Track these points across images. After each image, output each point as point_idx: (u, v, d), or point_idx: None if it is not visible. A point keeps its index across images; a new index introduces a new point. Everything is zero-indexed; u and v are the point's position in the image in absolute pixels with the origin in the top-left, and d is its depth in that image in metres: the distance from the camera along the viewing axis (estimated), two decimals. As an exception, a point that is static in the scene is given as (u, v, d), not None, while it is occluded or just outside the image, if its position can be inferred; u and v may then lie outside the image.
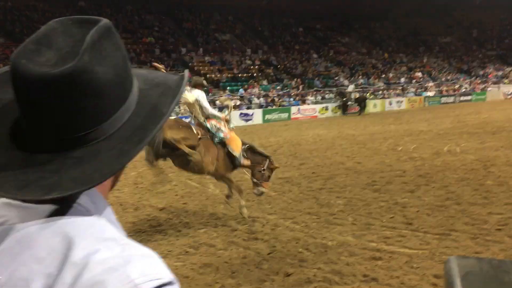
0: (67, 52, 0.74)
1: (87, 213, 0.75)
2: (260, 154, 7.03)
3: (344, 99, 28.48)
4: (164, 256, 5.38)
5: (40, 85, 0.72)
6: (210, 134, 6.47)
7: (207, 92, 28.35)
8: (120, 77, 0.79)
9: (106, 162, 0.75)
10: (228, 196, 6.87)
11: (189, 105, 6.45)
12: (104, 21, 0.79)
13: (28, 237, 0.71)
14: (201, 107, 6.47)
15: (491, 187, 7.76)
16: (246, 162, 6.82)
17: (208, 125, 6.46)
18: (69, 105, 0.74)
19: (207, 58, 34.11)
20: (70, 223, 0.72)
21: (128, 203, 7.94)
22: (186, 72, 0.92)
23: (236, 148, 6.61)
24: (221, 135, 6.50)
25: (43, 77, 0.71)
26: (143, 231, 6.43)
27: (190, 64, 32.60)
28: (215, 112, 6.73)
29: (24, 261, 0.69)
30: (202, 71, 32.08)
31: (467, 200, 7.02)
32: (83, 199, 0.76)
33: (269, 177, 7.07)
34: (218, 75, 32.03)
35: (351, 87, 29.58)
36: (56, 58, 0.73)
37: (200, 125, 6.49)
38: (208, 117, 6.52)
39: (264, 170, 6.94)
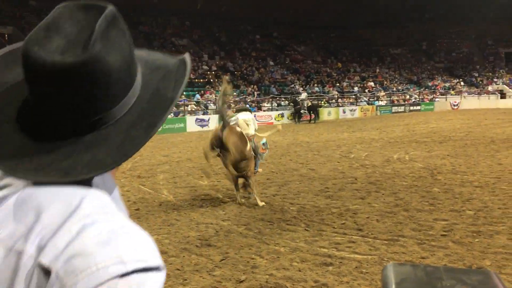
0: (75, 40, 0.76)
1: (96, 188, 0.77)
2: None
3: (297, 106, 28.86)
4: (114, 263, 5.24)
5: (53, 74, 0.74)
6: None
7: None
8: (127, 64, 0.82)
9: (116, 147, 0.77)
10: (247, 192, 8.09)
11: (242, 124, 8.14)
12: (110, 8, 0.81)
13: (33, 197, 0.72)
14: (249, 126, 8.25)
15: (437, 194, 8.06)
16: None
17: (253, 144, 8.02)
18: (80, 93, 0.76)
19: (163, 62, 33.73)
20: (75, 193, 0.73)
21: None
22: (187, 57, 0.93)
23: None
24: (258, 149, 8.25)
25: (57, 65, 0.73)
26: (93, 238, 6.25)
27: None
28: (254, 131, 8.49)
29: (25, 220, 0.70)
30: (158, 75, 31.71)
31: (414, 207, 7.26)
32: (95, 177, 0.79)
33: None
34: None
35: (304, 95, 29.97)
36: (65, 45, 0.75)
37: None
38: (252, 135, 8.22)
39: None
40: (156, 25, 39.72)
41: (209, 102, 28.68)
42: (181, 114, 26.03)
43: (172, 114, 25.87)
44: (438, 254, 5.23)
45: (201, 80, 32.84)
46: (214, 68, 35.62)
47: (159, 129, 0.87)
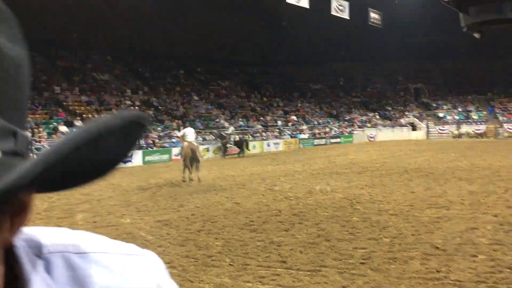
0: None
1: None
2: None
3: (223, 140, 28.96)
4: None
5: None
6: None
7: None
8: None
9: None
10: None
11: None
12: None
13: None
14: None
15: (356, 223, 8.39)
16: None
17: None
18: None
19: (83, 98, 32.66)
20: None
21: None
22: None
23: None
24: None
25: None
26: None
27: (64, 103, 30.96)
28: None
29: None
30: (78, 111, 30.61)
31: (335, 236, 7.50)
32: None
33: None
34: (96, 116, 30.78)
35: (231, 129, 30.21)
36: None
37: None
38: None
39: None
40: (75, 60, 38.57)
41: (132, 137, 28.00)
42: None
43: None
44: (358, 282, 5.41)
45: (124, 115, 32.07)
46: (137, 103, 35.03)
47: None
